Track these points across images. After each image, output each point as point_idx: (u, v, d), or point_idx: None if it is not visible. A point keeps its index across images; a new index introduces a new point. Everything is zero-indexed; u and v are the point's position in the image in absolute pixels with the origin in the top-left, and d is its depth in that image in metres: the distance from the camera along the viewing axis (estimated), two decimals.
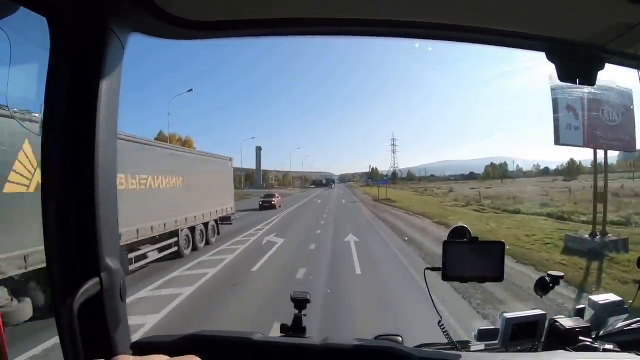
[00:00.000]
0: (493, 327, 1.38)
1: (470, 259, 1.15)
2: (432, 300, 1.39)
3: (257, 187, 64.63)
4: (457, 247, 1.17)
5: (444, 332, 1.37)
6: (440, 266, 1.16)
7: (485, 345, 1.36)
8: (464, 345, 1.37)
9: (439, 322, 1.39)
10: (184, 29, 0.91)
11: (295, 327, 1.13)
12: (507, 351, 1.26)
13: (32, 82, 0.87)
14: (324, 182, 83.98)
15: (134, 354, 0.80)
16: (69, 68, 0.78)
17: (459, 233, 1.24)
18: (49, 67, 0.78)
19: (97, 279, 0.78)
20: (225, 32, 0.96)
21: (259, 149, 77.93)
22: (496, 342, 1.33)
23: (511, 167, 66.06)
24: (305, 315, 1.14)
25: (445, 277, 1.16)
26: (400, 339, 1.25)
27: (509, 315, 1.31)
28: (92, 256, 0.79)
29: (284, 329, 1.13)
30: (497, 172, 64.05)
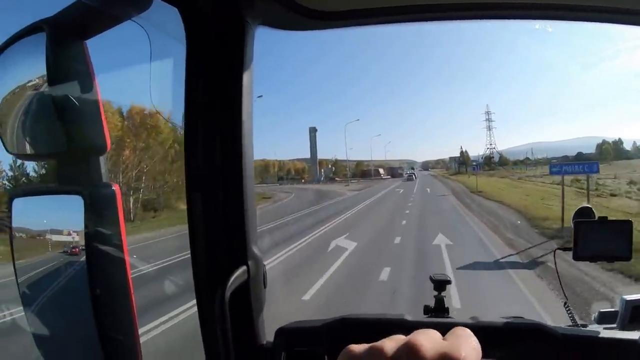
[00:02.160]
0: (613, 310, 1.44)
1: (600, 238, 1.21)
2: (560, 281, 1.55)
3: (313, 181, 54.70)
4: (587, 226, 1.24)
5: (568, 313, 1.46)
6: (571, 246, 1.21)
7: (604, 328, 1.42)
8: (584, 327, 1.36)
9: (565, 303, 1.51)
10: (310, 20, 0.91)
11: (438, 308, 1.17)
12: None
13: (172, 76, 0.88)
14: (400, 171, 68.08)
15: (279, 341, 0.92)
16: (204, 61, 0.81)
17: (585, 213, 1.33)
18: (186, 61, 0.80)
19: (244, 267, 0.83)
20: (349, 21, 0.96)
21: (313, 131, 61.16)
22: (614, 325, 1.36)
23: (627, 146, 50.72)
24: (444, 297, 1.21)
25: (576, 257, 1.23)
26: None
27: (628, 297, 1.35)
28: (239, 245, 0.84)
29: (427, 310, 1.18)
30: (609, 152, 50.17)
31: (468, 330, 0.35)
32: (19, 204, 0.69)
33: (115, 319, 0.62)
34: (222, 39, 0.81)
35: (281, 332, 0.93)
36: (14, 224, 0.70)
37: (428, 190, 30.11)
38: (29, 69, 0.66)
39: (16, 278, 0.71)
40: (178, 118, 0.80)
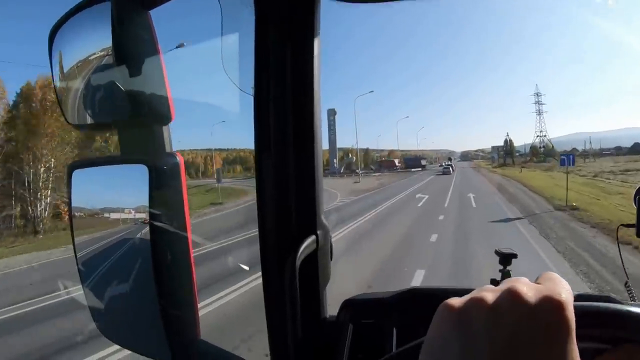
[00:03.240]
0: None
1: None
2: (622, 260, 1.49)
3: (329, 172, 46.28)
4: None
5: (629, 293, 1.45)
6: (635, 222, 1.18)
7: None
8: None
9: (626, 282, 1.48)
10: None
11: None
12: None
13: (240, 42, 0.89)
14: (421, 162, 58.48)
15: (345, 313, 0.93)
16: (274, 28, 0.82)
17: None
18: (255, 27, 0.82)
19: (313, 237, 0.85)
20: None
21: (332, 113, 50.41)
22: None
23: None
24: (511, 270, 1.24)
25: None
26: None
27: None
28: (309, 213, 0.85)
29: (493, 283, 1.26)
30: None
31: (556, 274, 0.36)
32: (78, 175, 0.71)
33: (177, 287, 0.64)
34: (292, 7, 0.82)
35: (348, 304, 0.94)
36: (74, 196, 0.72)
37: (472, 199, 17.09)
38: (93, 39, 0.68)
39: (74, 251, 0.74)
40: (248, 85, 0.79)
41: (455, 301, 0.34)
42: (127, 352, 0.89)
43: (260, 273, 0.85)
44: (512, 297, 0.32)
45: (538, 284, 0.34)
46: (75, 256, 0.74)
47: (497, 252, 1.25)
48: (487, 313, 0.32)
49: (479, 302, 0.33)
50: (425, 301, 0.92)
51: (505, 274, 1.19)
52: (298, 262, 0.78)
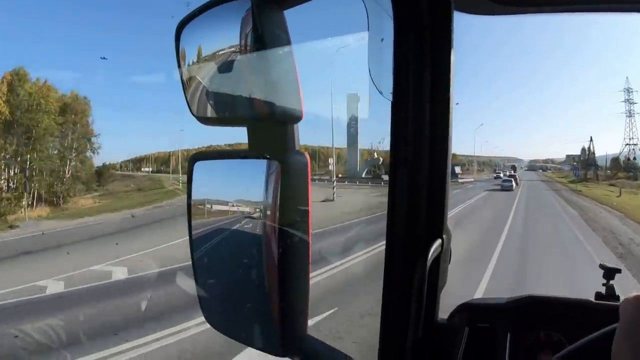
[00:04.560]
0: None
1: None
2: None
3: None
4: None
5: None
6: None
7: None
8: None
9: None
10: (499, 5, 0.92)
11: (610, 295, 1.20)
12: None
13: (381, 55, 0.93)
14: (456, 170, 40.22)
15: (461, 316, 0.98)
16: (412, 36, 0.87)
17: None
18: (395, 34, 0.86)
19: (440, 241, 0.90)
20: (531, 7, 0.96)
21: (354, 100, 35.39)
22: None
23: None
24: (614, 284, 1.24)
25: None
26: None
27: None
28: (437, 218, 0.91)
29: (598, 296, 1.21)
30: None
31: None
32: (200, 167, 0.76)
33: (295, 282, 0.67)
34: (430, 16, 0.87)
35: (463, 308, 0.99)
36: (194, 187, 0.77)
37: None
38: (229, 34, 0.72)
39: (190, 242, 0.79)
40: (387, 90, 0.86)
41: None
42: None
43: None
44: None
45: None
46: (191, 246, 0.79)
47: (601, 266, 1.27)
48: None
49: None
50: (543, 308, 0.99)
51: (609, 288, 1.21)
52: (428, 264, 0.83)
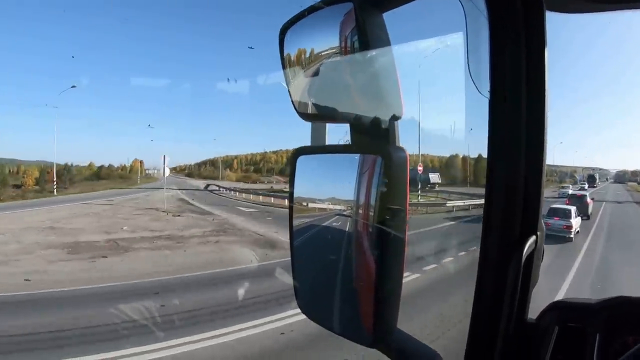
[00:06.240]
0: None
1: None
2: None
3: None
4: None
5: None
6: None
7: None
8: None
9: None
10: (589, 2, 0.94)
11: None
12: None
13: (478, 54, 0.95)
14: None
15: (551, 315, 0.98)
16: (508, 36, 0.89)
17: None
18: (490, 41, 0.89)
19: (534, 237, 0.92)
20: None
21: None
22: None
23: None
24: None
25: None
26: None
27: None
28: (533, 215, 0.92)
29: None
30: None
31: None
32: (303, 161, 0.81)
33: (389, 275, 0.70)
34: (525, 17, 0.89)
35: (554, 307, 1.01)
36: (297, 181, 0.82)
37: None
38: (330, 36, 0.77)
39: (290, 234, 0.85)
40: (484, 88, 0.90)
41: None
42: None
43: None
44: None
45: None
46: (291, 239, 0.85)
47: None
48: None
49: None
50: (634, 310, 1.00)
51: None
52: (523, 260, 0.85)
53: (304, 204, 0.84)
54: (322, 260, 0.83)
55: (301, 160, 0.82)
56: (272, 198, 27.11)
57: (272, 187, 44.34)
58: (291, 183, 0.83)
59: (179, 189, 33.19)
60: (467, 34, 0.88)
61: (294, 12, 0.82)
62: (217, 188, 38.44)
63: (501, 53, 0.89)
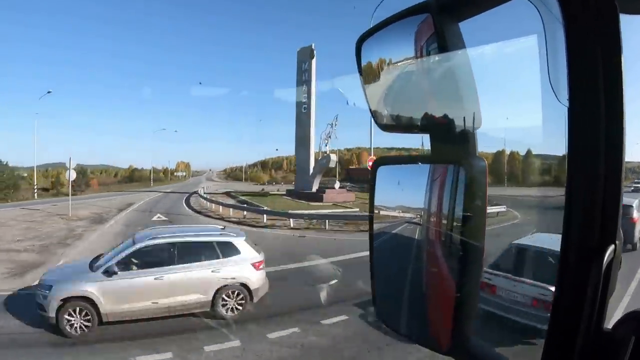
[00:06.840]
0: None
1: None
2: None
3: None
4: None
5: None
6: None
7: None
8: None
9: None
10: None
11: None
12: None
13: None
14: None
15: (628, 325, 0.93)
16: (585, 49, 0.88)
17: None
18: (567, 46, 0.88)
19: (613, 246, 0.91)
20: None
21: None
22: None
23: None
24: None
25: None
26: None
27: None
28: (612, 222, 0.92)
29: None
30: None
31: None
32: (383, 171, 0.83)
33: (467, 280, 0.72)
34: (600, 21, 0.88)
35: (631, 317, 0.97)
36: (377, 191, 0.84)
37: None
38: (407, 47, 0.78)
39: (370, 242, 0.86)
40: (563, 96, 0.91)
41: None
42: None
43: None
44: None
45: None
46: (370, 247, 0.86)
47: None
48: None
49: None
50: None
51: None
52: (604, 269, 0.86)
53: (387, 210, 0.86)
54: (402, 269, 0.85)
55: (381, 170, 0.84)
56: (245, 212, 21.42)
57: (263, 189, 40.28)
58: (371, 193, 0.85)
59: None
60: (545, 40, 0.88)
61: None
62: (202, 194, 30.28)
63: (578, 59, 0.89)
